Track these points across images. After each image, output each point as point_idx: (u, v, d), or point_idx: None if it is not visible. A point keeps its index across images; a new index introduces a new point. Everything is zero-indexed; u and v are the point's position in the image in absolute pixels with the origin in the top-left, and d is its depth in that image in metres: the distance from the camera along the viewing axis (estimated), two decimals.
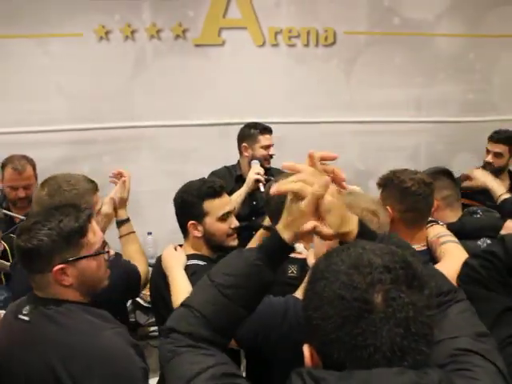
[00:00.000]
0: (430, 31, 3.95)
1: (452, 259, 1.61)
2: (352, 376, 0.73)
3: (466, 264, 1.46)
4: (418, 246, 1.77)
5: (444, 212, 2.13)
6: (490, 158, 3.26)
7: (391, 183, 1.85)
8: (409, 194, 1.80)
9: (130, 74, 3.64)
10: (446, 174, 2.23)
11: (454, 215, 2.15)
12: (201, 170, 3.06)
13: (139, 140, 3.71)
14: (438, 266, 1.35)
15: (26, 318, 1.38)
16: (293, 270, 1.63)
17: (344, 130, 3.90)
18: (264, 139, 3.06)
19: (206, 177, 2.99)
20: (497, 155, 3.25)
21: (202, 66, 3.69)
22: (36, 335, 1.36)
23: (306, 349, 0.81)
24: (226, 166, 3.14)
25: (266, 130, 3.08)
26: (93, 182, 1.88)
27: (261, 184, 2.81)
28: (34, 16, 3.47)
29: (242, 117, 3.32)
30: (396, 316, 0.73)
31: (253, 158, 2.98)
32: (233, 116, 3.24)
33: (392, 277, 0.75)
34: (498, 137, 3.29)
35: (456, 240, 1.79)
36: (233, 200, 2.76)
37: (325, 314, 0.76)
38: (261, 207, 2.76)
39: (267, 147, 3.05)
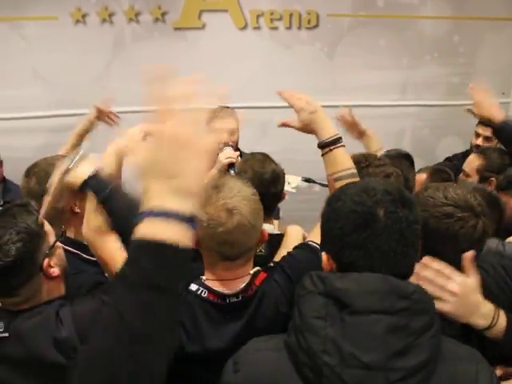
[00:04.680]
0: (414, 13, 3.90)
1: None
2: (348, 276, 0.97)
3: None
4: None
5: None
6: (479, 141, 3.24)
7: None
8: None
9: (108, 59, 3.56)
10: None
11: None
12: None
13: (118, 125, 3.61)
14: None
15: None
16: (261, 249, 1.57)
17: (327, 113, 3.80)
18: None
19: None
20: (487, 139, 3.23)
21: (182, 50, 3.60)
22: None
23: (323, 256, 1.04)
24: None
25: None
26: None
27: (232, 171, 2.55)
28: None
29: (223, 101, 3.24)
30: (393, 226, 0.98)
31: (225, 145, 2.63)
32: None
33: (391, 198, 1.00)
34: None
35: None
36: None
37: (342, 224, 0.99)
38: None
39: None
